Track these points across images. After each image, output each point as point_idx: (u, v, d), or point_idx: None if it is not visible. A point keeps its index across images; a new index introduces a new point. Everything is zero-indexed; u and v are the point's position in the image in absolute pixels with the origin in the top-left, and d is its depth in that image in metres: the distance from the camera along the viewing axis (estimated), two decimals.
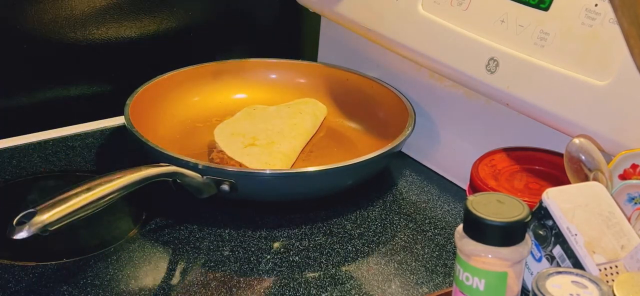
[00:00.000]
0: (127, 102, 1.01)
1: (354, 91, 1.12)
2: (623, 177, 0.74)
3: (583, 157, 0.74)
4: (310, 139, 1.06)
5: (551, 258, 0.67)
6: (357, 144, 1.06)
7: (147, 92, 1.05)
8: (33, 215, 0.75)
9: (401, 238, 0.90)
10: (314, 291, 0.80)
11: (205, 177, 0.89)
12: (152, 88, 1.07)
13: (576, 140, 0.75)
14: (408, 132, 0.98)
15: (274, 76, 1.17)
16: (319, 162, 1.02)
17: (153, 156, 0.92)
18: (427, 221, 0.93)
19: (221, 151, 0.97)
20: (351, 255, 0.86)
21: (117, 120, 1.12)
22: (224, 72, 1.15)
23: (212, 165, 0.91)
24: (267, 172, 0.92)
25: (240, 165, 0.94)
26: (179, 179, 0.88)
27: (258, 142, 1.00)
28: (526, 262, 0.67)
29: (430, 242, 0.89)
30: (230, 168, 0.90)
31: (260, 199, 0.93)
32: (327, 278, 0.83)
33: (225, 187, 0.89)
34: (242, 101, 1.14)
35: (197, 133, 1.06)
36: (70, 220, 0.77)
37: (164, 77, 1.09)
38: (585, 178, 0.74)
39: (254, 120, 1.06)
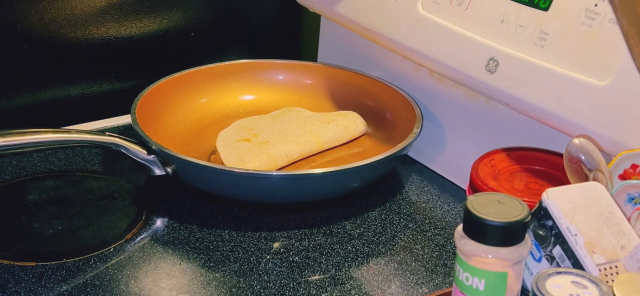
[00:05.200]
0: (134, 102, 1.01)
1: (362, 93, 1.11)
2: (623, 177, 0.74)
3: (583, 157, 0.74)
4: (328, 150, 1.04)
5: (551, 259, 0.67)
6: (364, 146, 1.06)
7: (153, 92, 1.05)
8: None
9: (401, 238, 0.90)
10: (313, 292, 0.80)
11: (152, 157, 0.93)
12: (158, 89, 1.06)
13: (576, 140, 0.75)
14: (415, 135, 0.97)
15: (281, 77, 1.16)
16: (326, 163, 1.02)
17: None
18: (427, 221, 0.93)
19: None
20: (351, 255, 0.86)
21: (117, 120, 1.12)
22: (232, 73, 1.14)
23: (159, 146, 0.92)
24: (207, 165, 0.91)
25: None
26: (123, 151, 0.94)
27: (255, 139, 1.00)
28: (526, 262, 0.67)
29: (430, 242, 0.89)
30: (173, 154, 0.91)
31: (264, 200, 0.93)
32: (327, 279, 0.83)
33: (169, 169, 0.93)
34: (250, 102, 1.14)
35: (204, 135, 1.06)
36: (15, 151, 0.91)
37: (170, 78, 1.09)
38: (585, 179, 0.74)
39: (276, 120, 1.05)
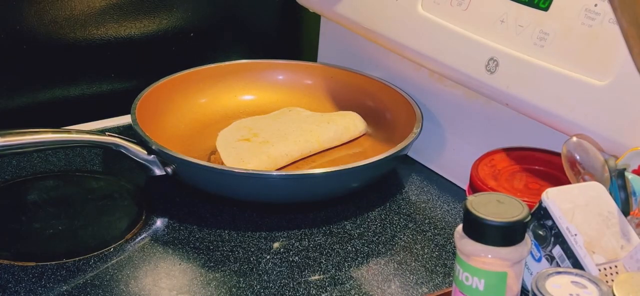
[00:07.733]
0: (134, 102, 1.01)
1: (362, 93, 1.11)
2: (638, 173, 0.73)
3: (578, 157, 0.74)
4: (328, 150, 1.04)
5: (551, 258, 0.67)
6: (364, 146, 1.06)
7: (153, 92, 1.05)
8: None
9: (401, 238, 0.90)
10: (313, 292, 0.80)
11: (152, 156, 0.93)
12: (158, 89, 1.06)
13: (574, 139, 0.75)
14: (415, 135, 0.97)
15: (281, 77, 1.16)
16: (326, 163, 1.02)
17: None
18: (426, 221, 0.93)
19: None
20: (351, 255, 0.86)
21: (117, 120, 1.12)
22: (232, 73, 1.14)
23: (160, 146, 0.92)
24: (207, 165, 0.91)
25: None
26: (123, 151, 0.93)
27: (255, 138, 1.00)
28: (526, 262, 0.67)
29: (430, 242, 0.89)
30: (173, 154, 0.91)
31: (264, 200, 0.93)
32: (327, 279, 0.83)
33: (169, 169, 0.93)
34: (250, 102, 1.14)
35: (204, 135, 1.06)
36: (15, 151, 0.92)
37: (170, 78, 1.09)
38: (584, 178, 0.74)
39: (276, 120, 1.05)
